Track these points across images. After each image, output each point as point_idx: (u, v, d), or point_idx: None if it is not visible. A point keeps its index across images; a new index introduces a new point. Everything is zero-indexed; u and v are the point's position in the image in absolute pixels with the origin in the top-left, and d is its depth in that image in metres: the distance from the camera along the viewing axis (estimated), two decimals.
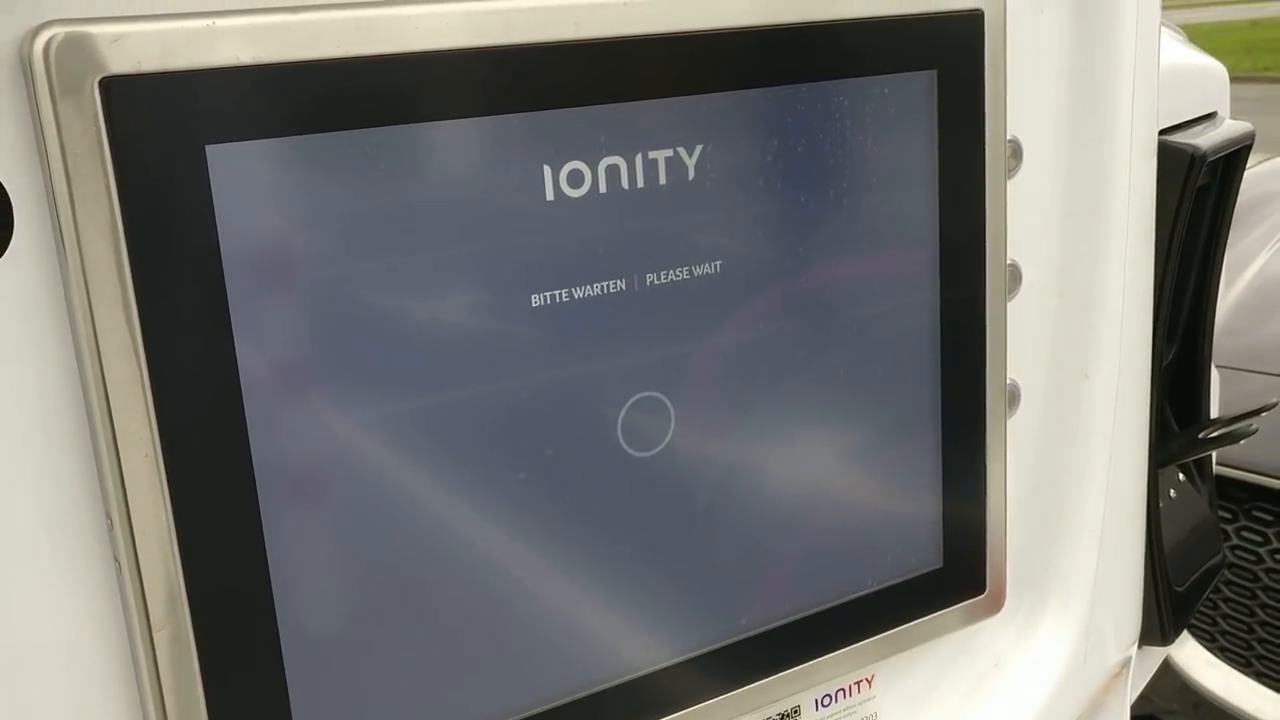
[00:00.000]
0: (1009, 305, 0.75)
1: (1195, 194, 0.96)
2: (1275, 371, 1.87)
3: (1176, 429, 1.13)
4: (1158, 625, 1.04)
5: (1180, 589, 1.08)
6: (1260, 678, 1.88)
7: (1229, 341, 1.82)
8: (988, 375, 0.74)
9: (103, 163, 0.45)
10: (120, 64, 0.45)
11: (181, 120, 0.47)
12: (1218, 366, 1.24)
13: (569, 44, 0.55)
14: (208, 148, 0.47)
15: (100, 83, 0.45)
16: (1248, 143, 1.06)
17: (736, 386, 0.65)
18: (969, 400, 0.74)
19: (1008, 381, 0.76)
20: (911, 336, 0.71)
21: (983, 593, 0.78)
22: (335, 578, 0.54)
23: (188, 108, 0.47)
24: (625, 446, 0.62)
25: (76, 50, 0.44)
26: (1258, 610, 1.85)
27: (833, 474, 0.70)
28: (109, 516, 0.49)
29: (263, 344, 0.50)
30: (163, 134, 0.46)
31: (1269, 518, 1.80)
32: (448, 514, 0.57)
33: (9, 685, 0.50)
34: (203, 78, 0.47)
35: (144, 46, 0.45)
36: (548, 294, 0.58)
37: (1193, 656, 1.94)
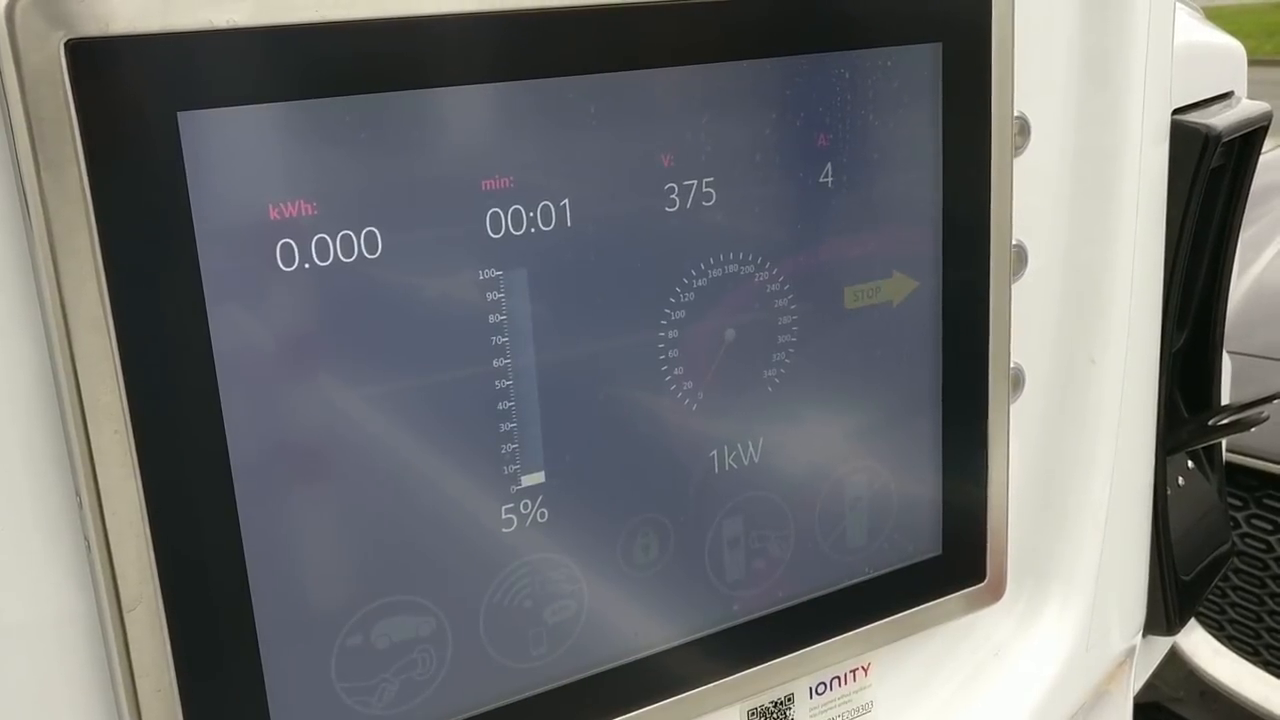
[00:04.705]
0: (1014, 287, 0.74)
1: (1209, 175, 0.93)
2: None
3: (1186, 416, 1.11)
4: (1163, 614, 1.03)
5: (1187, 578, 1.07)
6: (1268, 667, 1.86)
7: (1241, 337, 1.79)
8: (991, 359, 0.73)
9: (70, 128, 0.44)
10: (88, 25, 0.43)
11: (152, 85, 0.45)
12: (1229, 353, 1.22)
13: (560, 11, 0.53)
14: (179, 114, 0.46)
15: (66, 44, 0.43)
16: (1265, 123, 1.04)
17: (732, 367, 0.63)
18: (971, 384, 0.72)
19: (1011, 365, 0.74)
20: (913, 317, 0.69)
21: (982, 580, 0.77)
22: (311, 555, 0.53)
23: (159, 72, 0.45)
24: (618, 424, 0.60)
25: (42, 10, 0.43)
26: (1267, 599, 1.83)
27: (830, 458, 0.69)
28: (78, 495, 0.48)
29: (237, 316, 0.49)
30: (132, 99, 0.45)
31: None
32: (428, 491, 0.56)
33: None
34: (174, 41, 0.45)
35: (113, 7, 0.43)
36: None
37: (1200, 644, 1.92)
